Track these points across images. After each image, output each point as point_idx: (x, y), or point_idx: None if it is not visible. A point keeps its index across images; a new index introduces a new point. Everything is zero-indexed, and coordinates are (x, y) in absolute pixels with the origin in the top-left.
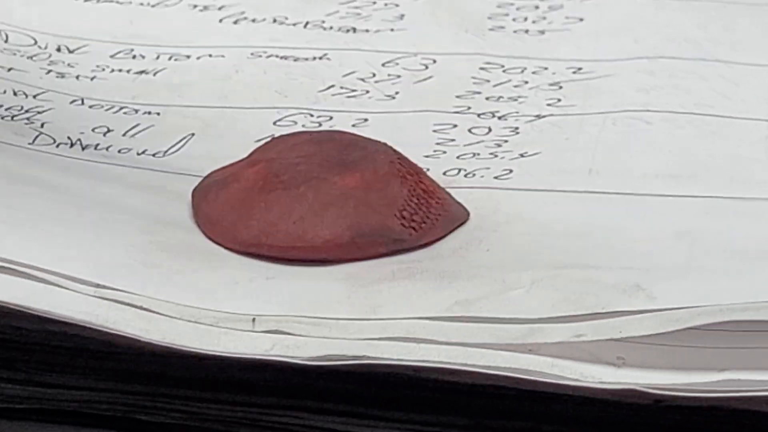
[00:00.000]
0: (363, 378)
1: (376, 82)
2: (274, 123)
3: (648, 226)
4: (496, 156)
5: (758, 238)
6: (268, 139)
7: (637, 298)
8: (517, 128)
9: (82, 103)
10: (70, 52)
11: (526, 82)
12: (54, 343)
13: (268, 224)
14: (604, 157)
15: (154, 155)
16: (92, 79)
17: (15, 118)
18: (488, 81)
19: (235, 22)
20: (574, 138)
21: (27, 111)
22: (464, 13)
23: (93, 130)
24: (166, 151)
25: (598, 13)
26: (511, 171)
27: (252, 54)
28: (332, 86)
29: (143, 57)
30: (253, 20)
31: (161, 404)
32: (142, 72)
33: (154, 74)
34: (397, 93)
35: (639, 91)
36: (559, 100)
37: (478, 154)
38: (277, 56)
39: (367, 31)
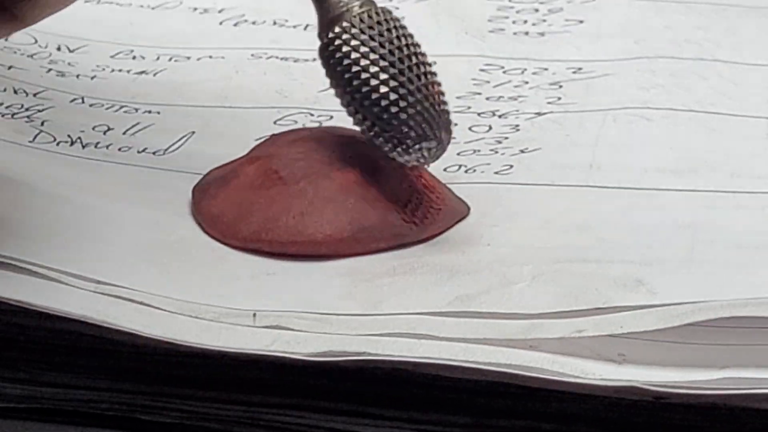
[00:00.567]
0: (364, 376)
1: None
2: (275, 122)
3: (649, 219)
4: (496, 152)
5: (760, 231)
6: (268, 137)
7: (639, 293)
8: (517, 125)
9: (83, 101)
10: (71, 51)
11: (527, 83)
12: (54, 342)
13: (269, 220)
14: (604, 153)
15: (154, 153)
16: (92, 78)
17: (15, 116)
18: (488, 82)
19: (235, 25)
20: (575, 134)
21: (27, 109)
22: (464, 16)
23: (93, 128)
24: (166, 150)
25: (598, 15)
26: (511, 166)
27: (252, 55)
28: None
29: (143, 58)
30: (254, 23)
31: (162, 403)
32: (142, 72)
33: (154, 75)
34: None
35: (639, 89)
36: (560, 98)
37: (479, 151)
38: (277, 57)
39: None
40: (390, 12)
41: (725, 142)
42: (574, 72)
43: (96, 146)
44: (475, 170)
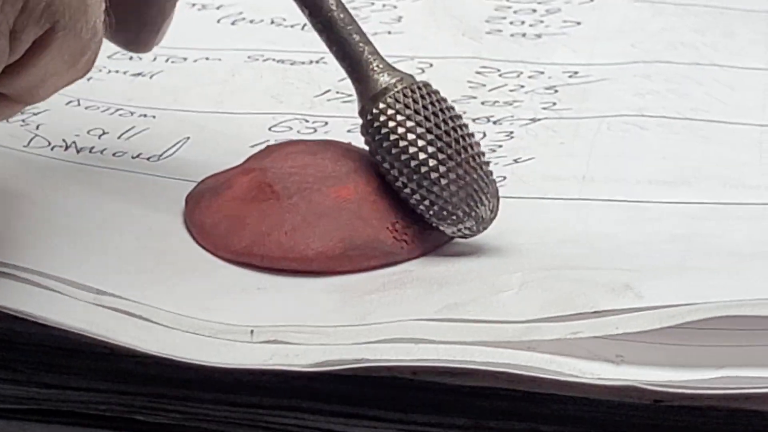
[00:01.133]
0: (362, 379)
1: None
2: (270, 128)
3: (641, 232)
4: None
5: (751, 240)
6: (263, 145)
7: (626, 297)
8: (511, 132)
9: (78, 104)
10: None
11: (522, 86)
12: (53, 344)
13: (260, 235)
14: (597, 164)
15: (148, 159)
16: (89, 79)
17: (10, 120)
18: (484, 85)
19: (233, 23)
20: (569, 143)
21: (23, 113)
22: (462, 16)
23: (88, 132)
24: (160, 155)
25: (595, 16)
26: (504, 178)
27: (249, 57)
28: (328, 91)
29: (140, 58)
30: (251, 21)
31: (160, 404)
32: (138, 74)
33: (151, 77)
34: None
35: (635, 95)
36: (555, 103)
37: None
38: (273, 60)
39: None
40: (429, 85)
41: (718, 150)
42: (570, 76)
43: (90, 151)
44: None
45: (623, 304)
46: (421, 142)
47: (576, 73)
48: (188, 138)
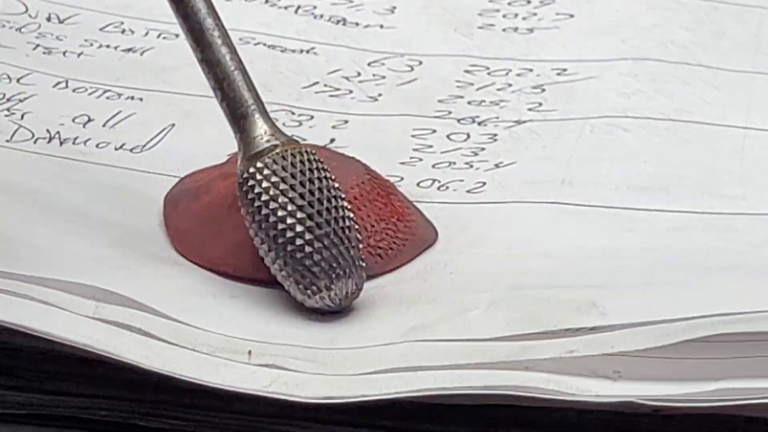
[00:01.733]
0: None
1: (360, 81)
2: None
3: (615, 241)
4: (471, 166)
5: (720, 253)
6: None
7: (591, 315)
8: (495, 135)
9: (66, 85)
10: (60, 21)
11: (510, 85)
12: (54, 350)
13: (235, 245)
14: (577, 168)
15: (131, 150)
16: (79, 55)
17: None
18: (472, 84)
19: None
20: (551, 146)
21: (9, 99)
22: (455, 9)
23: (74, 120)
24: (144, 146)
25: (588, 9)
26: (484, 184)
27: (240, 39)
28: (316, 83)
29: (132, 32)
30: None
31: (160, 410)
32: (129, 50)
33: (141, 53)
34: (380, 95)
35: (620, 95)
36: (541, 104)
37: (454, 164)
38: (264, 44)
39: (357, 24)
40: (314, 153)
41: (700, 154)
42: (558, 74)
43: (74, 143)
44: (447, 187)
45: (587, 322)
46: (291, 207)
47: (564, 70)
48: (173, 125)
